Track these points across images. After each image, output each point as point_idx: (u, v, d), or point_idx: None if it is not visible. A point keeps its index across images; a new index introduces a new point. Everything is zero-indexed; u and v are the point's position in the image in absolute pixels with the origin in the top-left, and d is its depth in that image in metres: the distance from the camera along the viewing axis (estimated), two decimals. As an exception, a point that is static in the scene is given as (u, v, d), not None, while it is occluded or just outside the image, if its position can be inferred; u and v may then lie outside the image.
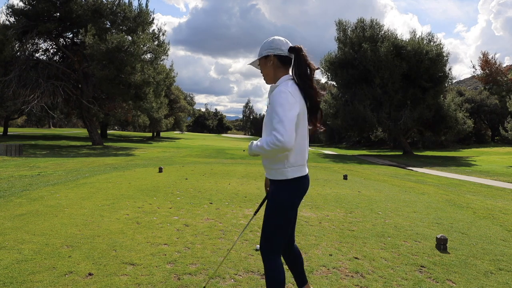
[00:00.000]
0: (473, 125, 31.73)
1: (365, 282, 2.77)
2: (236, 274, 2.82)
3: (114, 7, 25.32)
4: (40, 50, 27.48)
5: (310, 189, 7.28)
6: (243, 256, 3.21)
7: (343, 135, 58.13)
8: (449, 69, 27.21)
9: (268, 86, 2.10)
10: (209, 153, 23.34)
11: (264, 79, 2.10)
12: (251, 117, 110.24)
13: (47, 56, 28.01)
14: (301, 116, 1.93)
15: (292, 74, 2.00)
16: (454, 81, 31.04)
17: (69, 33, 27.51)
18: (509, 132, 25.12)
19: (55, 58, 28.41)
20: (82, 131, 55.87)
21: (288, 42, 2.07)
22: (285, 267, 2.38)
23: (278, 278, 1.99)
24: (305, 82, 1.96)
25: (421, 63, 25.78)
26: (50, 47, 28.09)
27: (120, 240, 3.51)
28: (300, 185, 2.01)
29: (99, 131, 36.18)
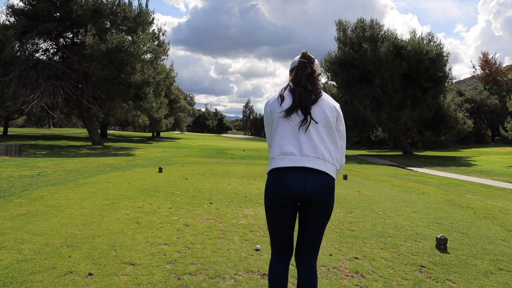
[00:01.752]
0: (473, 125, 31.75)
1: (365, 282, 2.77)
2: (236, 274, 2.82)
3: (114, 7, 25.31)
4: (40, 50, 27.50)
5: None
6: (243, 256, 3.21)
7: (343, 135, 57.99)
8: (449, 69, 27.26)
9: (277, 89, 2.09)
10: (209, 153, 23.35)
11: None
12: (251, 117, 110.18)
13: (47, 56, 28.01)
14: (278, 115, 1.94)
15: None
16: (454, 81, 31.07)
17: (69, 33, 27.51)
18: (509, 132, 25.12)
19: (55, 58, 28.41)
20: (82, 131, 55.87)
21: (305, 55, 2.02)
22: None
23: (270, 277, 1.98)
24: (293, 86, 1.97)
25: (421, 63, 25.79)
26: (50, 47, 28.10)
27: (120, 240, 3.51)
28: (273, 179, 1.90)
29: (99, 131, 36.17)
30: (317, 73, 2.00)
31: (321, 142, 1.90)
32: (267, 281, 2.70)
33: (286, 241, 1.98)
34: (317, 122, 1.90)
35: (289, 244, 2.00)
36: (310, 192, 1.83)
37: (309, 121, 1.88)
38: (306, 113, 1.88)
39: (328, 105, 1.96)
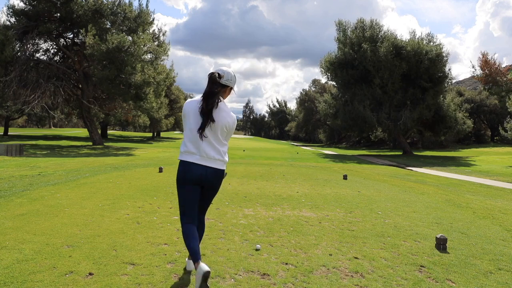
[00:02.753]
0: (472, 125, 31.76)
1: (365, 282, 2.78)
2: (236, 274, 2.83)
3: (115, 7, 25.34)
4: (41, 50, 27.49)
5: (310, 189, 7.30)
6: (243, 256, 3.22)
7: (343, 135, 58.14)
8: (449, 69, 27.30)
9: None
10: (209, 153, 23.30)
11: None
12: (251, 117, 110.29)
13: (47, 56, 28.02)
14: (187, 117, 2.65)
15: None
16: (453, 81, 31.09)
17: (70, 33, 27.52)
18: (508, 132, 25.11)
19: (55, 59, 28.42)
20: (83, 131, 55.92)
21: (220, 71, 2.65)
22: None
23: (184, 233, 2.64)
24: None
25: (421, 63, 25.81)
26: (51, 47, 28.10)
27: (121, 240, 3.52)
28: (183, 167, 2.65)
29: (100, 131, 36.19)
30: None
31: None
32: (267, 281, 2.72)
33: (193, 214, 2.70)
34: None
35: (195, 216, 2.72)
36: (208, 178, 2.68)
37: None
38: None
39: None
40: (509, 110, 24.59)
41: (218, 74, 2.60)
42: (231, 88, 2.71)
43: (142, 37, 24.24)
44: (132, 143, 38.65)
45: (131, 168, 10.52)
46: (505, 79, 28.53)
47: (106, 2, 24.96)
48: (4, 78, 22.35)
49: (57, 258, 3.00)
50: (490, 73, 29.17)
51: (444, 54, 26.54)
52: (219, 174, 2.69)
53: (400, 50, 26.30)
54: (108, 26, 25.15)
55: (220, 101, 2.63)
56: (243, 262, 3.07)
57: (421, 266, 3.15)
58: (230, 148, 33.14)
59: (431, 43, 27.47)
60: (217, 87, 2.59)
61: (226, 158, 2.73)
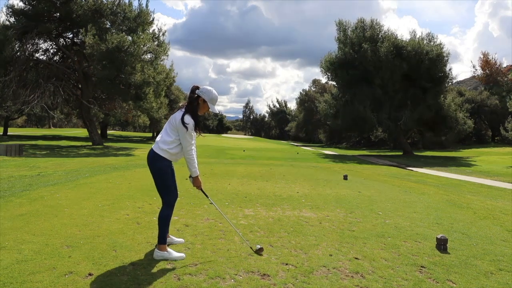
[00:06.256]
0: (473, 125, 31.71)
1: (365, 283, 2.77)
2: (236, 274, 2.82)
3: (114, 7, 25.29)
4: (40, 50, 27.41)
5: (311, 189, 7.31)
6: (243, 256, 3.21)
7: (343, 135, 58.05)
8: (449, 69, 27.26)
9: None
10: (209, 153, 23.34)
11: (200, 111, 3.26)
12: (251, 117, 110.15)
13: (47, 56, 27.96)
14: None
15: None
16: (454, 81, 31.08)
17: (69, 33, 27.48)
18: (509, 132, 25.12)
19: (55, 58, 28.37)
20: (82, 131, 55.86)
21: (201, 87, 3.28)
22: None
23: (168, 219, 3.23)
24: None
25: (422, 63, 25.78)
26: (50, 47, 28.05)
27: (120, 240, 3.51)
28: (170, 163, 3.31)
29: (99, 131, 36.17)
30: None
31: None
32: (267, 281, 2.71)
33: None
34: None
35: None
36: None
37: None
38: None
39: None
40: (510, 110, 24.58)
41: (197, 86, 3.26)
42: (204, 100, 3.22)
43: (142, 37, 24.20)
44: (132, 143, 38.63)
45: (131, 168, 10.50)
46: (506, 79, 28.53)
47: (105, 2, 24.91)
48: (4, 78, 22.30)
49: (57, 258, 2.99)
50: (491, 73, 29.20)
51: (444, 54, 26.51)
52: (150, 155, 3.22)
53: (400, 50, 26.27)
54: (108, 26, 25.10)
55: (182, 106, 3.24)
56: (243, 263, 3.06)
57: (421, 266, 3.14)
58: (230, 148, 33.20)
59: (432, 43, 27.43)
60: (192, 95, 3.22)
61: (164, 146, 3.14)
